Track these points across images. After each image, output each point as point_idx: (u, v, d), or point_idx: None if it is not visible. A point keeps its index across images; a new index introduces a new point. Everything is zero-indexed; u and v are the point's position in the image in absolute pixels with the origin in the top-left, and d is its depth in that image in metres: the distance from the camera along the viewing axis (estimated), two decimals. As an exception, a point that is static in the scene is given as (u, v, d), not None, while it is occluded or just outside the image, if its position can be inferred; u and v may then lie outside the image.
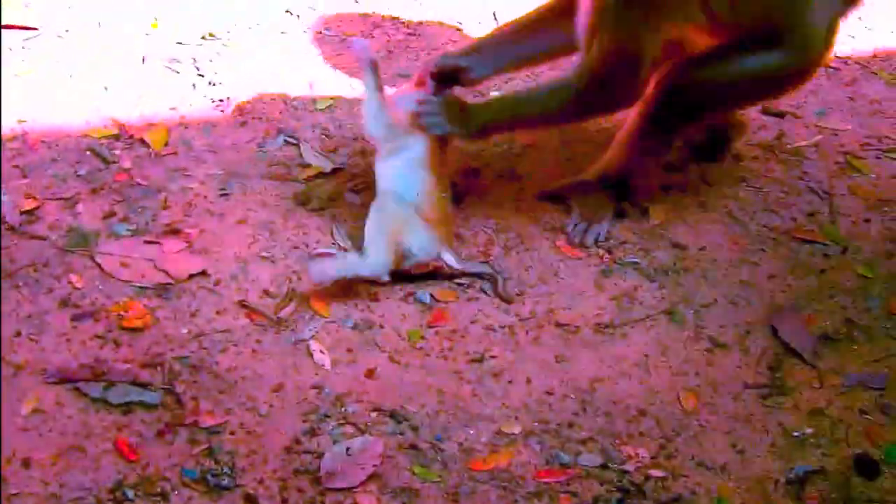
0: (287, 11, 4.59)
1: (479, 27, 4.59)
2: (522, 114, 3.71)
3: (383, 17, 4.66)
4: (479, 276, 3.53)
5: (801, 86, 3.87)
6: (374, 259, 3.40)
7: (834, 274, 3.66)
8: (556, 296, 3.50)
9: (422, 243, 3.43)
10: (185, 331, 3.27)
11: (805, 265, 3.68)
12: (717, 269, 3.64)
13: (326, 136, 4.00)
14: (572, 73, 3.58)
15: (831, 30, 3.58)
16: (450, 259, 3.47)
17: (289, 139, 3.96)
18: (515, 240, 3.67)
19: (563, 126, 4.03)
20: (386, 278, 3.42)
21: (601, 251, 3.65)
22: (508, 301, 3.47)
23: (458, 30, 4.61)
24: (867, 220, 3.86)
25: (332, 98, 4.17)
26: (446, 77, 3.67)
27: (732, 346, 3.38)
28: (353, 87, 4.19)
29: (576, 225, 3.72)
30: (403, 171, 3.51)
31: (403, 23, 4.63)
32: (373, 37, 4.51)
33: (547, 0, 3.79)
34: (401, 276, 3.46)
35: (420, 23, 4.64)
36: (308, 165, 3.87)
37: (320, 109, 4.11)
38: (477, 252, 3.61)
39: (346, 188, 3.78)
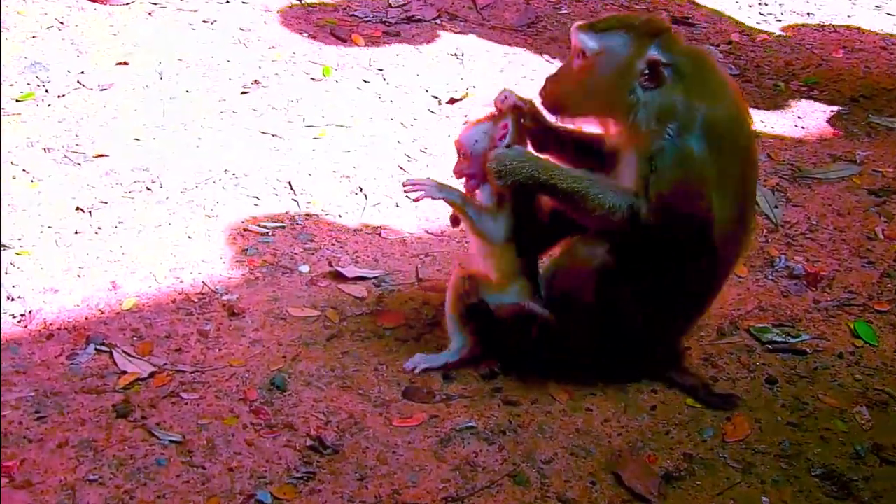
0: (77, 209, 4.47)
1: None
2: (566, 192, 3.62)
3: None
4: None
5: None
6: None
7: (665, 409, 3.70)
8: (398, 474, 3.43)
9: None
10: (14, 579, 3.10)
11: (636, 404, 3.72)
12: (553, 420, 3.64)
13: (138, 337, 3.88)
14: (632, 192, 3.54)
15: None
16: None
17: (99, 347, 3.82)
18: (348, 421, 3.60)
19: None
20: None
21: (436, 419, 3.62)
22: None
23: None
24: (688, 348, 3.92)
25: (137, 295, 4.06)
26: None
27: (580, 502, 3.37)
28: (156, 278, 4.10)
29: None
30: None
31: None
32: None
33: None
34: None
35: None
36: (124, 372, 3.73)
37: (127, 309, 3.99)
38: (308, 440, 3.52)
39: (169, 390, 3.67)
